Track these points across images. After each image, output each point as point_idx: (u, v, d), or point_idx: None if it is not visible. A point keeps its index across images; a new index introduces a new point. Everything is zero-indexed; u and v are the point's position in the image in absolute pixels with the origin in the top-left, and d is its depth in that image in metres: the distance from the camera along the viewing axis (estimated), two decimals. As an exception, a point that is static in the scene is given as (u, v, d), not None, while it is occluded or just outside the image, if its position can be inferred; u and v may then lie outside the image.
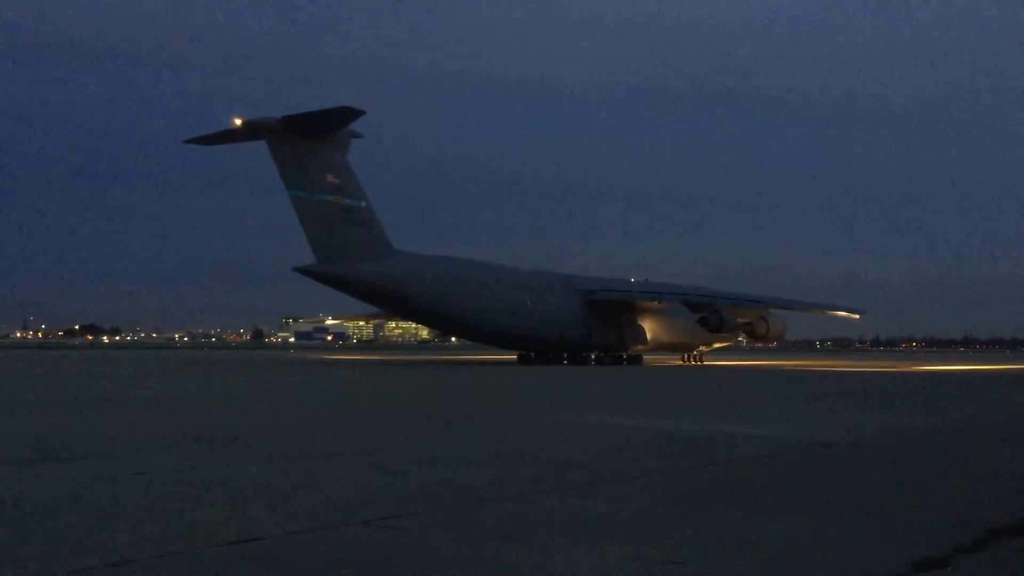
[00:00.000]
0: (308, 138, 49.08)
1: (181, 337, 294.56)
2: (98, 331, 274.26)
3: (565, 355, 62.11)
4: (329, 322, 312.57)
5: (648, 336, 65.51)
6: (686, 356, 70.51)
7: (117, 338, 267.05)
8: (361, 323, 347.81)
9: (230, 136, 50.83)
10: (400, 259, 53.85)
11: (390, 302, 55.91)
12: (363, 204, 51.93)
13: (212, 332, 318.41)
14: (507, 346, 62.61)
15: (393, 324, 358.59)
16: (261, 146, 49.74)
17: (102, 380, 34.21)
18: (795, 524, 7.51)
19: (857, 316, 78.44)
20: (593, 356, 62.16)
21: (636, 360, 63.90)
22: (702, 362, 67.94)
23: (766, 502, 8.59)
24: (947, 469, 11.25)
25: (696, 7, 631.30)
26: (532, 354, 62.09)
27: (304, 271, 50.72)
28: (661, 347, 68.17)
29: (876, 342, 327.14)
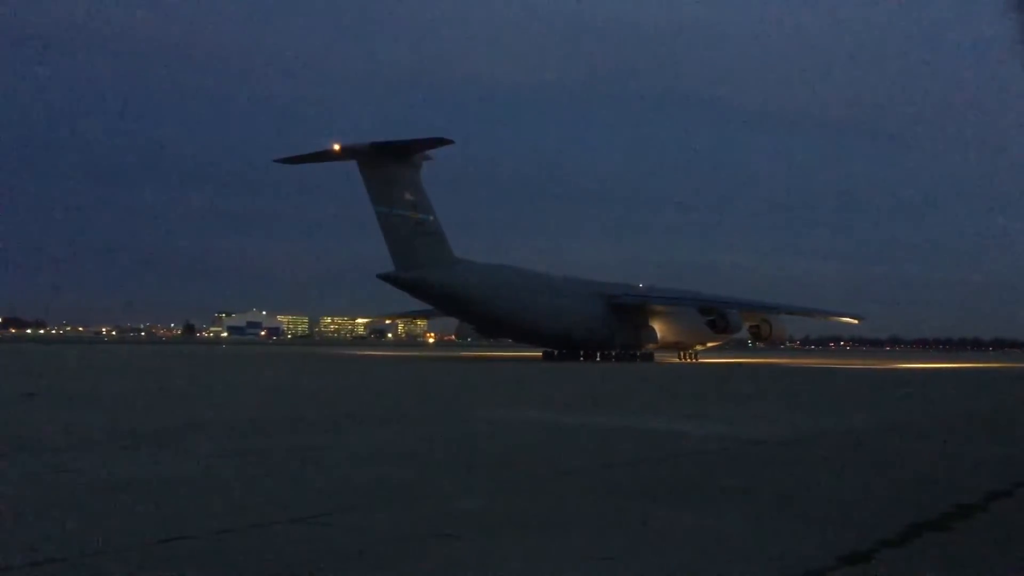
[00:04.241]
0: (393, 161, 55.94)
1: (109, 331, 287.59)
2: (22, 324, 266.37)
3: (581, 353, 67.01)
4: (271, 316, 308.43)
5: (658, 336, 71.91)
6: (682, 354, 76.05)
7: (41, 332, 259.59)
8: (294, 318, 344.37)
9: (321, 157, 57.18)
10: (462, 267, 59.91)
11: (452, 305, 62.18)
12: (432, 218, 58.15)
13: (141, 326, 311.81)
14: (545, 344, 67.67)
15: (329, 320, 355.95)
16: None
17: (24, 374, 33.19)
18: (726, 519, 7.63)
19: (856, 321, 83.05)
20: (614, 354, 67.56)
21: (648, 357, 69.80)
22: (697, 359, 73.71)
23: (698, 498, 8.72)
24: (873, 466, 11.54)
25: (640, 9, 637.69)
26: (555, 352, 67.30)
27: (386, 278, 56.89)
28: (667, 346, 74.37)
29: (806, 341, 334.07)
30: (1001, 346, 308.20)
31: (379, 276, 57.20)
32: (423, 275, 56.69)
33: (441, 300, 61.17)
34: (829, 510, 8.19)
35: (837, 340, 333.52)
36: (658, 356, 71.98)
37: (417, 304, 67.89)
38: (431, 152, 58.36)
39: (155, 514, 7.39)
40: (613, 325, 67.83)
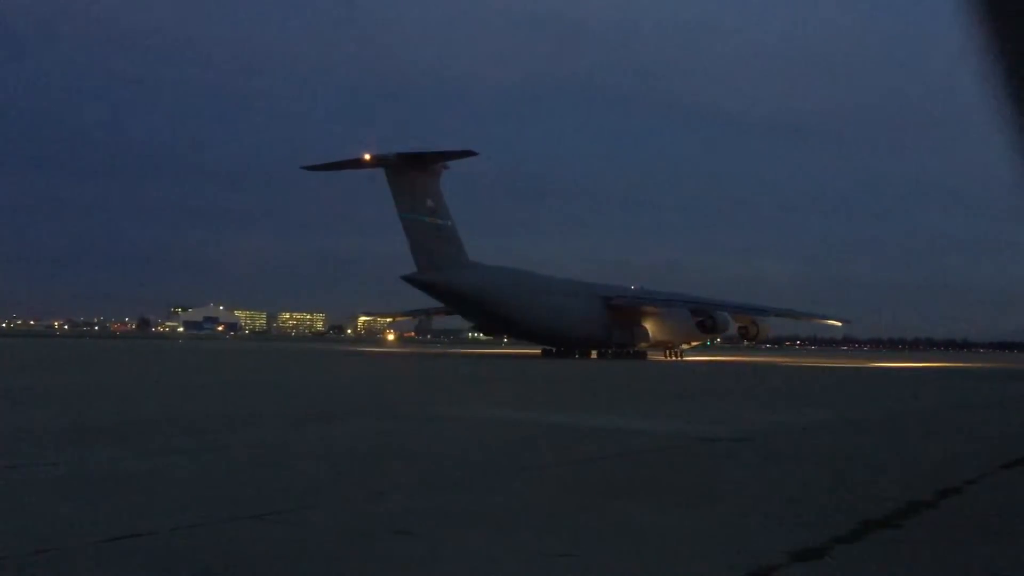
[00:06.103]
0: (418, 170, 60.39)
1: (61, 325, 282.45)
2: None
3: (576, 351, 71.01)
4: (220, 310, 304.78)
5: (650, 335, 75.90)
6: (667, 352, 79.41)
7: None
8: (252, 313, 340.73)
9: (350, 164, 61.44)
10: (475, 270, 64.06)
11: (463, 304, 65.69)
12: (450, 223, 62.58)
13: (95, 320, 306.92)
14: (545, 343, 71.44)
15: (287, 315, 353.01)
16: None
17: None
18: (680, 516, 7.69)
19: (840, 323, 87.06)
20: (609, 351, 71.74)
21: (641, 355, 73.73)
22: (681, 357, 77.41)
23: (654, 495, 8.77)
24: (826, 462, 11.69)
25: (597, 7, 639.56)
26: (553, 349, 71.26)
27: (408, 279, 61.25)
28: (658, 344, 78.13)
29: (765, 339, 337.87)
30: (952, 346, 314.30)
31: (402, 277, 61.44)
32: (441, 277, 60.93)
33: (455, 300, 64.84)
34: (780, 506, 8.27)
35: (794, 340, 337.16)
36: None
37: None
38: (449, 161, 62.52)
39: (107, 511, 7.26)
40: (609, 324, 71.26)
